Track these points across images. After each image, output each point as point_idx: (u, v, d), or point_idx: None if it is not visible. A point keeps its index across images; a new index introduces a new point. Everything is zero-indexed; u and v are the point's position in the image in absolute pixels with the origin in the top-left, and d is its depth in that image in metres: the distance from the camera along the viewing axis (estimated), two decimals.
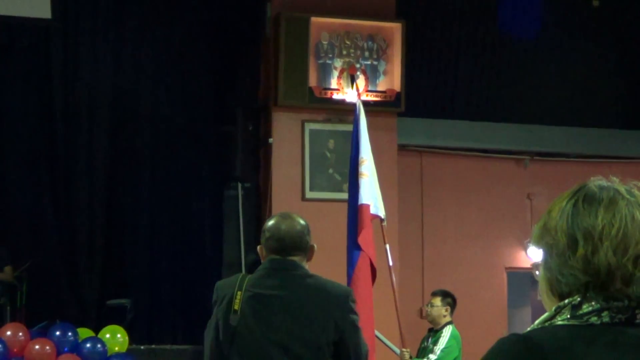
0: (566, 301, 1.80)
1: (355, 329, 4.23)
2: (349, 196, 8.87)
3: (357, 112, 9.16)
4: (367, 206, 8.65)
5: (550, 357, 1.71)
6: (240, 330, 4.17)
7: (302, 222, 4.40)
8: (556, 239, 1.83)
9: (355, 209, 8.67)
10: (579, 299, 1.79)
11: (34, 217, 12.15)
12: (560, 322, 1.79)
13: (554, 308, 1.81)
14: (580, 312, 1.78)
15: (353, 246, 8.46)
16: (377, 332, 9.54)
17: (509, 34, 13.30)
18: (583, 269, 1.78)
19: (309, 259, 4.39)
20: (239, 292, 4.23)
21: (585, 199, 1.83)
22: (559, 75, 13.60)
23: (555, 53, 13.59)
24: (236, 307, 4.21)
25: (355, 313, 4.25)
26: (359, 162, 8.84)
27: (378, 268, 8.99)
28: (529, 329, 1.80)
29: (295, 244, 4.31)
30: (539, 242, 1.87)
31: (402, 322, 9.09)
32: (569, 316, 1.78)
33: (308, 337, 4.11)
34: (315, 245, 4.45)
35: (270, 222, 4.40)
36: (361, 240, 8.44)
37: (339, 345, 4.17)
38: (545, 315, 1.82)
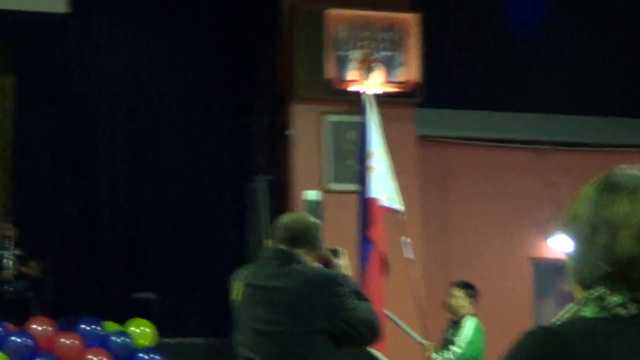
0: (593, 292, 1.78)
1: (343, 310, 4.19)
2: (360, 190, 8.88)
3: (364, 105, 9.15)
4: (376, 200, 8.66)
5: (576, 349, 1.70)
6: (237, 320, 4.38)
7: (313, 220, 4.43)
8: (579, 227, 1.82)
9: (366, 203, 8.69)
10: (605, 290, 1.77)
11: (59, 212, 12.22)
12: (587, 314, 1.77)
13: (580, 299, 1.80)
14: (607, 303, 1.76)
15: (365, 240, 8.49)
16: (401, 322, 9.57)
17: (528, 22, 13.25)
18: (604, 257, 1.77)
19: (318, 258, 4.41)
20: (238, 283, 4.43)
21: (610, 187, 1.82)
22: (581, 63, 13.54)
23: (576, 41, 13.53)
24: (234, 297, 4.42)
25: (341, 296, 4.20)
26: (368, 155, 8.84)
27: (399, 261, 9.02)
28: (555, 320, 1.79)
29: (303, 235, 4.34)
30: (565, 230, 1.87)
31: (427, 314, 9.11)
32: (595, 308, 1.77)
33: (289, 325, 4.17)
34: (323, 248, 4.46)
35: (283, 217, 4.51)
36: (371, 233, 8.46)
37: (338, 327, 4.17)
38: (572, 306, 1.81)
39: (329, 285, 4.20)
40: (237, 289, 4.41)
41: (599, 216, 1.80)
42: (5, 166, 12.42)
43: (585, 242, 1.81)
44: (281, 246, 4.35)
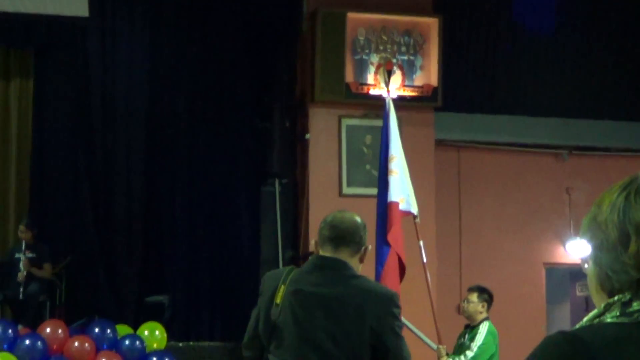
0: (616, 298, 1.73)
1: (395, 334, 4.05)
2: (378, 193, 8.85)
3: (387, 108, 9.13)
4: (397, 204, 8.63)
5: (598, 355, 1.66)
6: (279, 324, 4.11)
7: (359, 219, 4.28)
8: (607, 234, 1.76)
9: (384, 206, 8.65)
10: (629, 296, 1.72)
11: (73, 215, 12.21)
12: (609, 320, 1.72)
13: (603, 305, 1.75)
14: (630, 309, 1.71)
15: (382, 243, 8.44)
16: (413, 327, 9.52)
17: (546, 27, 13.20)
18: (635, 265, 1.71)
19: (361, 260, 4.24)
20: (282, 286, 4.15)
21: (638, 193, 1.75)
22: (598, 68, 13.49)
23: (594, 45, 13.47)
24: (278, 300, 4.13)
25: (397, 318, 4.07)
26: (389, 159, 8.82)
27: (413, 265, 8.97)
28: (577, 326, 1.75)
29: (349, 234, 4.17)
30: (587, 236, 1.81)
31: (440, 318, 9.07)
32: (618, 313, 1.72)
33: (342, 338, 3.99)
34: (370, 247, 4.32)
35: (328, 216, 4.30)
36: (390, 237, 8.42)
37: (377, 349, 4.02)
38: (594, 312, 1.76)
39: (388, 304, 4.06)
40: (281, 293, 4.21)
41: (628, 222, 1.73)
42: (23, 169, 12.42)
43: (613, 249, 1.74)
44: (327, 246, 4.17)
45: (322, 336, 4.02)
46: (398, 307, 4.11)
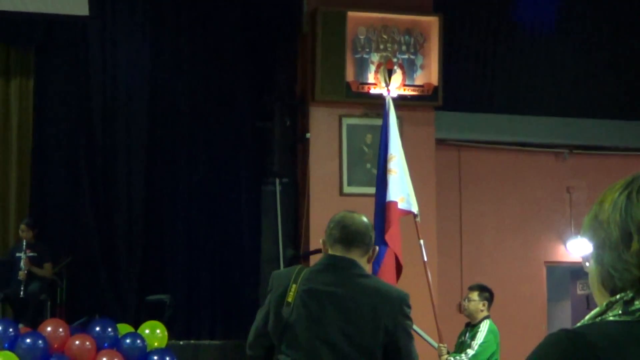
0: (618, 296, 1.73)
1: (406, 334, 4.09)
2: (377, 192, 8.85)
3: (387, 107, 9.13)
4: (395, 203, 8.63)
5: (600, 353, 1.66)
6: (291, 323, 4.08)
7: (367, 220, 4.26)
8: (609, 233, 1.75)
9: (382, 205, 8.66)
10: (631, 294, 1.72)
11: (74, 214, 12.20)
12: (611, 318, 1.72)
13: (605, 303, 1.75)
14: (633, 308, 1.71)
15: (379, 242, 8.44)
16: (414, 326, 9.53)
17: (546, 26, 13.20)
18: (637, 263, 1.71)
19: (369, 260, 4.25)
20: (293, 285, 4.13)
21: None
22: (599, 68, 13.49)
23: (594, 45, 13.47)
24: (289, 299, 4.11)
25: (408, 318, 4.10)
26: (388, 158, 8.82)
27: (413, 263, 8.98)
28: (579, 324, 1.75)
29: (360, 235, 4.16)
30: (589, 234, 1.80)
31: (441, 317, 9.07)
32: (620, 312, 1.71)
33: (356, 337, 3.99)
34: (378, 248, 4.33)
35: (336, 216, 4.29)
36: (388, 237, 8.43)
37: (388, 348, 4.03)
38: (596, 310, 1.76)
39: (400, 304, 4.08)
40: (292, 292, 4.17)
41: (630, 221, 1.73)
42: (23, 168, 12.42)
43: (615, 247, 1.74)
44: (338, 246, 4.17)
45: (336, 335, 4.02)
46: (409, 307, 4.13)
